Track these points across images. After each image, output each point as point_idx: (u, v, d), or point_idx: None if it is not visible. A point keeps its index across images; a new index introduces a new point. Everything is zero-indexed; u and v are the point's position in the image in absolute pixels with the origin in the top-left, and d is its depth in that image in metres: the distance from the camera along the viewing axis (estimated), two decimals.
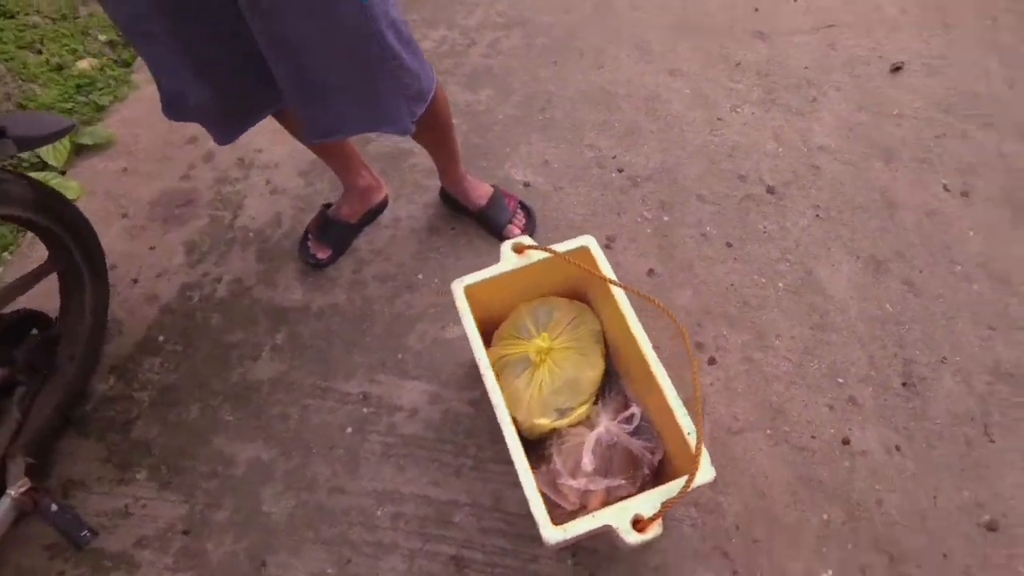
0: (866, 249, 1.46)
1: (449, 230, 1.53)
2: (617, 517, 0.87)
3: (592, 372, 1.11)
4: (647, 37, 1.89)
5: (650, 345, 1.01)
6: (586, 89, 1.77)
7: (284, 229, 1.56)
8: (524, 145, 1.66)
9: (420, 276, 1.47)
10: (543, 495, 0.89)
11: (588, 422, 1.09)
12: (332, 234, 1.48)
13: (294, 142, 1.37)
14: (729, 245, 1.47)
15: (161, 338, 1.40)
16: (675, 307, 1.38)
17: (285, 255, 1.52)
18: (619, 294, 1.06)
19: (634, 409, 1.06)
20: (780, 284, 1.41)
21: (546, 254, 1.08)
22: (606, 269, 1.09)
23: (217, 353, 1.37)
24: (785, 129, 1.67)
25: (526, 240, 1.11)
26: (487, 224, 1.49)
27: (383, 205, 1.54)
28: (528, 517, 0.93)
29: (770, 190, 1.55)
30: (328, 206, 1.52)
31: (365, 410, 1.31)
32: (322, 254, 1.48)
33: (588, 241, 1.12)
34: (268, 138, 1.68)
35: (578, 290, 1.24)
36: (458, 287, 1.07)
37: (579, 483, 0.98)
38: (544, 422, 1.06)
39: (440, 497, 1.20)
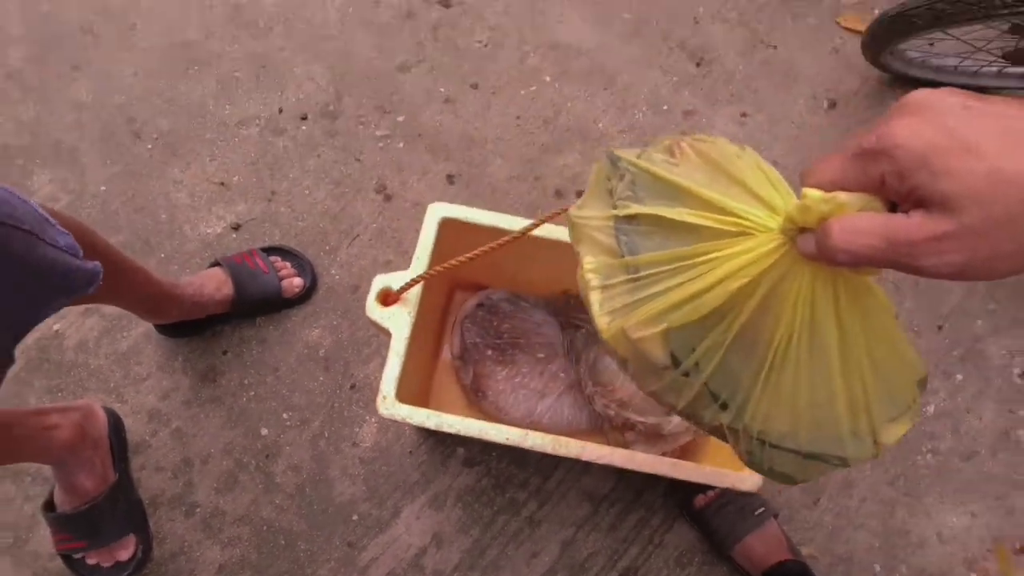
0: None
1: (223, 357, 1.02)
2: None
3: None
4: None
5: None
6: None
7: None
8: (177, 187, 1.10)
9: (265, 430, 1.00)
10: None
11: None
12: (106, 523, 0.90)
13: None
14: (475, 86, 1.21)
15: None
16: (497, 180, 1.14)
17: None
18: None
19: None
20: (546, 77, 1.23)
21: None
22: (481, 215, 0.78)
23: None
24: None
25: (377, 284, 0.73)
26: (254, 308, 1.02)
27: (116, 429, 0.96)
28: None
29: (444, 3, 1.27)
30: (50, 505, 0.90)
31: None
32: (124, 552, 0.91)
33: (435, 211, 0.78)
34: None
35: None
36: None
37: None
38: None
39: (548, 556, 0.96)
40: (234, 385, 1.02)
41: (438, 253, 0.77)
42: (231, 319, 1.02)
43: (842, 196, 0.27)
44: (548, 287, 0.98)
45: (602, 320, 0.39)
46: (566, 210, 0.70)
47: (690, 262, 0.36)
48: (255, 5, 1.21)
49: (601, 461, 0.69)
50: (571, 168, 1.15)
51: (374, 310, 0.73)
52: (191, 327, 1.00)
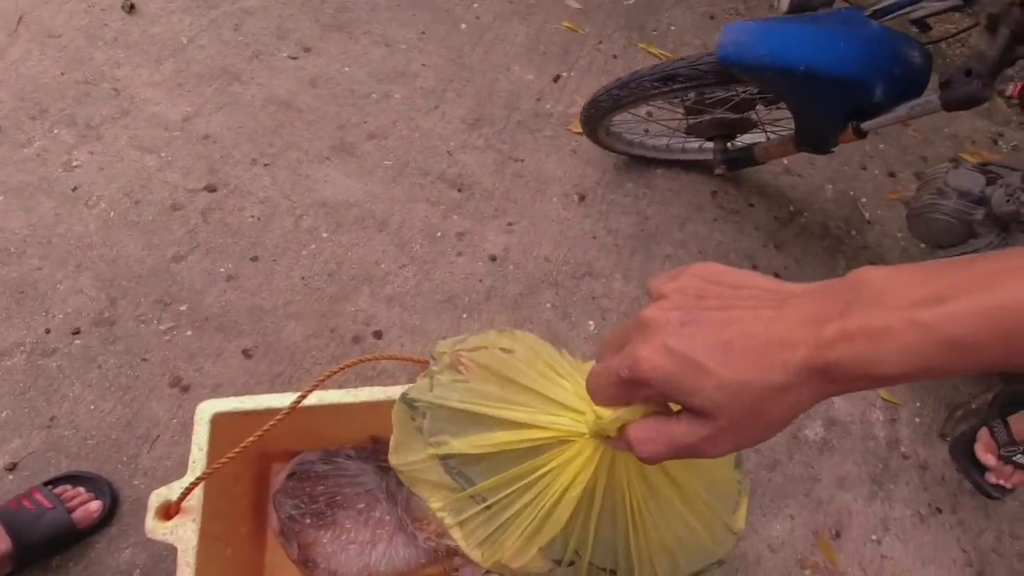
0: (322, 143, 1.42)
1: None
2: None
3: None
4: None
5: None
6: None
7: None
8: None
9: None
10: None
11: None
12: None
13: None
14: (255, 258, 1.25)
15: None
16: (295, 342, 1.17)
17: None
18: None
19: None
20: (323, 234, 1.30)
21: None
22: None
23: None
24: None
25: (155, 501, 0.72)
26: (44, 553, 0.93)
27: None
28: None
29: (210, 188, 1.32)
30: None
31: None
32: None
33: (204, 411, 0.79)
34: None
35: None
36: None
37: None
38: None
39: None
40: None
41: (220, 447, 0.78)
42: (19, 573, 0.93)
43: (624, 414, 0.34)
44: (359, 435, 1.01)
45: (475, 553, 0.42)
46: (330, 376, 0.75)
47: (529, 480, 0.40)
48: (1, 233, 1.18)
49: None
50: (364, 312, 1.22)
51: (156, 529, 0.71)
52: None
